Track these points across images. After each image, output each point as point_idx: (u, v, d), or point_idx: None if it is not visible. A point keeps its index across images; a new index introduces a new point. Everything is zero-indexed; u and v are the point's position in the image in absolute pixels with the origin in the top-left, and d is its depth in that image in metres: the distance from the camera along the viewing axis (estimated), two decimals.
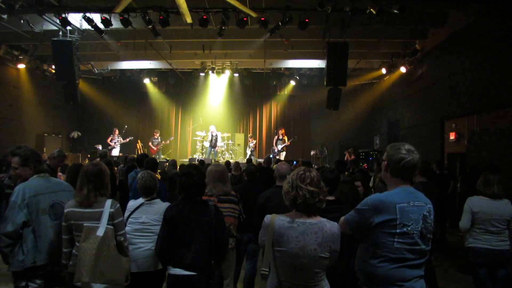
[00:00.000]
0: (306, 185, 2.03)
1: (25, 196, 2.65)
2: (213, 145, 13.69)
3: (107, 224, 2.60)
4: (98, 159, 7.77)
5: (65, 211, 2.63)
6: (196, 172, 2.74)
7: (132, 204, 3.27)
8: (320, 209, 2.07)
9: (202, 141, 14.38)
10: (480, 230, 3.51)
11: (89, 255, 2.49)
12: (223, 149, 14.58)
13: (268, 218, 2.12)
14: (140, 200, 3.26)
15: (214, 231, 2.62)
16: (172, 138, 15.23)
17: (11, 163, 2.82)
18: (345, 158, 12.32)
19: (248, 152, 14.09)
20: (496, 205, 3.49)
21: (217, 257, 2.70)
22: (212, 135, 13.67)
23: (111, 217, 2.65)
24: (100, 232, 2.55)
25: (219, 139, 14.02)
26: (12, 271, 2.67)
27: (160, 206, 3.16)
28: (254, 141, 14.64)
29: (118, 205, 2.78)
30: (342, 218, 2.18)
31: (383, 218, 1.99)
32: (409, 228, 1.99)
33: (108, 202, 2.68)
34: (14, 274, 2.69)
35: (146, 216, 3.11)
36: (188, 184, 2.67)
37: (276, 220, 2.08)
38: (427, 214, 2.07)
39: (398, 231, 1.97)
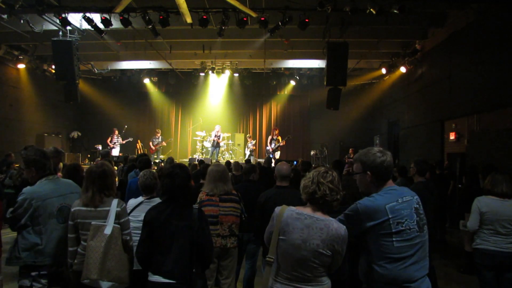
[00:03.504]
0: (327, 182, 2.07)
1: (32, 201, 2.68)
2: (215, 145, 13.60)
3: (114, 223, 2.63)
4: (98, 158, 7.77)
5: (72, 210, 2.67)
6: (181, 172, 2.57)
7: (132, 202, 3.28)
8: (332, 209, 2.10)
9: (202, 141, 14.36)
10: (489, 231, 3.37)
11: (97, 253, 2.52)
12: (223, 149, 14.58)
13: (278, 208, 2.17)
14: (140, 198, 3.27)
15: (196, 237, 2.45)
16: (171, 139, 15.23)
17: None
18: (346, 160, 12.33)
19: (248, 152, 14.07)
20: (505, 205, 3.34)
21: (199, 265, 2.52)
22: (215, 135, 13.57)
23: (118, 216, 2.68)
24: (108, 230, 2.58)
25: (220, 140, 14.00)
26: (19, 268, 2.74)
27: None
28: (254, 141, 14.62)
29: (124, 204, 2.82)
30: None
31: (375, 221, 2.02)
32: (404, 225, 2.02)
33: (115, 201, 2.71)
34: (20, 272, 2.75)
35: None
36: (171, 185, 2.53)
37: (286, 210, 2.13)
38: (418, 206, 2.12)
39: (393, 230, 2.00)
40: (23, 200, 2.67)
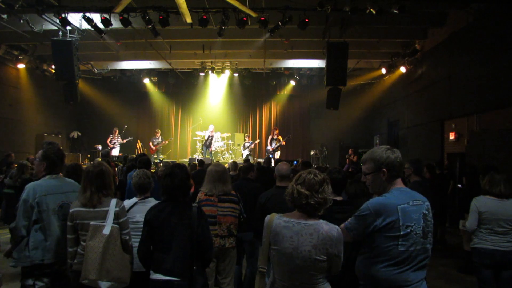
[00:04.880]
0: (297, 184, 2.02)
1: (35, 195, 2.73)
2: (208, 145, 13.57)
3: (113, 223, 2.63)
4: (99, 159, 7.77)
5: (70, 211, 2.67)
6: (180, 172, 2.61)
7: (126, 203, 3.25)
8: (316, 210, 2.03)
9: (202, 141, 14.37)
10: (487, 231, 3.40)
11: (96, 253, 2.52)
12: (223, 149, 14.57)
13: (268, 217, 2.14)
14: (134, 199, 3.25)
15: (195, 235, 2.48)
16: (171, 139, 15.23)
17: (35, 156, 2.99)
18: (347, 161, 12.34)
19: (246, 152, 14.01)
20: (503, 205, 3.38)
21: (199, 263, 2.55)
22: (208, 135, 13.57)
23: (116, 216, 2.68)
24: (106, 230, 2.57)
25: (214, 139, 13.91)
26: (21, 268, 2.75)
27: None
28: (253, 142, 14.55)
29: (123, 204, 2.83)
30: (342, 225, 2.15)
31: (385, 221, 1.98)
32: (412, 228, 1.99)
33: (113, 201, 2.71)
34: (22, 271, 2.76)
35: (140, 215, 3.06)
36: (170, 185, 2.56)
37: (274, 218, 2.09)
38: (426, 212, 2.09)
39: (402, 233, 1.97)
40: (27, 195, 2.72)
